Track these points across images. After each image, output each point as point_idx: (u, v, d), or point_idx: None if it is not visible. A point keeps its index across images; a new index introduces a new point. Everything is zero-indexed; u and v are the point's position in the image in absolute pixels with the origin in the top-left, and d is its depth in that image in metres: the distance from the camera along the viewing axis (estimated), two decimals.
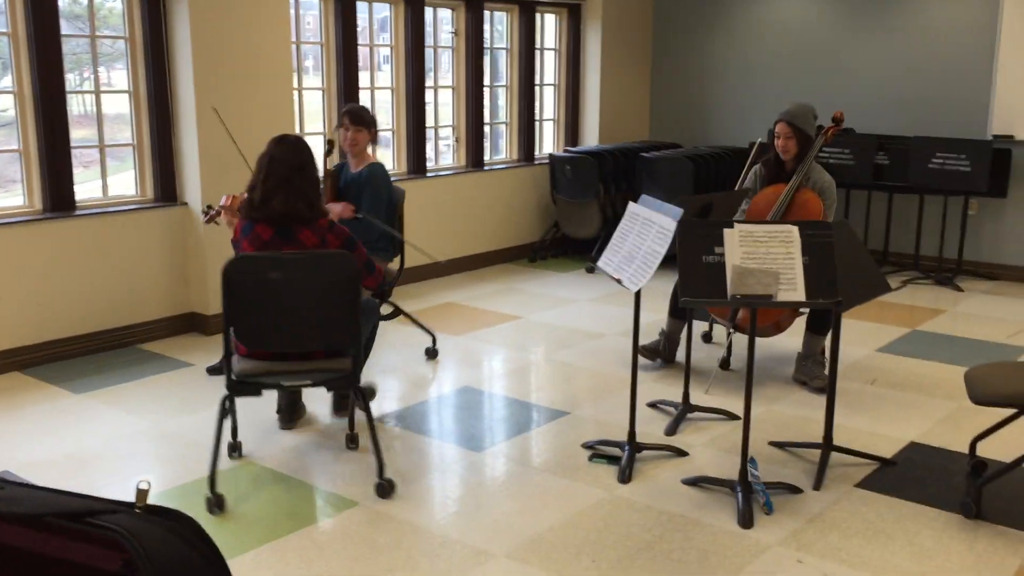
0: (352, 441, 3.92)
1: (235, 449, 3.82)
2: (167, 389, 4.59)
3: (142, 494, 1.22)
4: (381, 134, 6.83)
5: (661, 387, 4.64)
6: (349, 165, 4.82)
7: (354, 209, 4.64)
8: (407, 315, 5.30)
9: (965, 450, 3.78)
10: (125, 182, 5.53)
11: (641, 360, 4.59)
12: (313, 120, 6.40)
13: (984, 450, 3.79)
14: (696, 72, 8.35)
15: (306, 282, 3.35)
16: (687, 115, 8.46)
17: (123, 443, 3.95)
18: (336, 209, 4.55)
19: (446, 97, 7.28)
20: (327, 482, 3.61)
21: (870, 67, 7.42)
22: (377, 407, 4.39)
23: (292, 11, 5.93)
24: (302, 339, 3.44)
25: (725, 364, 4.90)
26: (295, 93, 5.98)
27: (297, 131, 6.13)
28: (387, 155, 6.91)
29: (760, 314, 4.18)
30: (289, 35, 5.71)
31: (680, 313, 4.78)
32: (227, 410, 3.50)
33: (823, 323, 4.57)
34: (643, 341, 4.73)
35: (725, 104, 8.23)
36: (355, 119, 4.70)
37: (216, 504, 3.33)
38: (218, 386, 3.93)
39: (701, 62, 8.30)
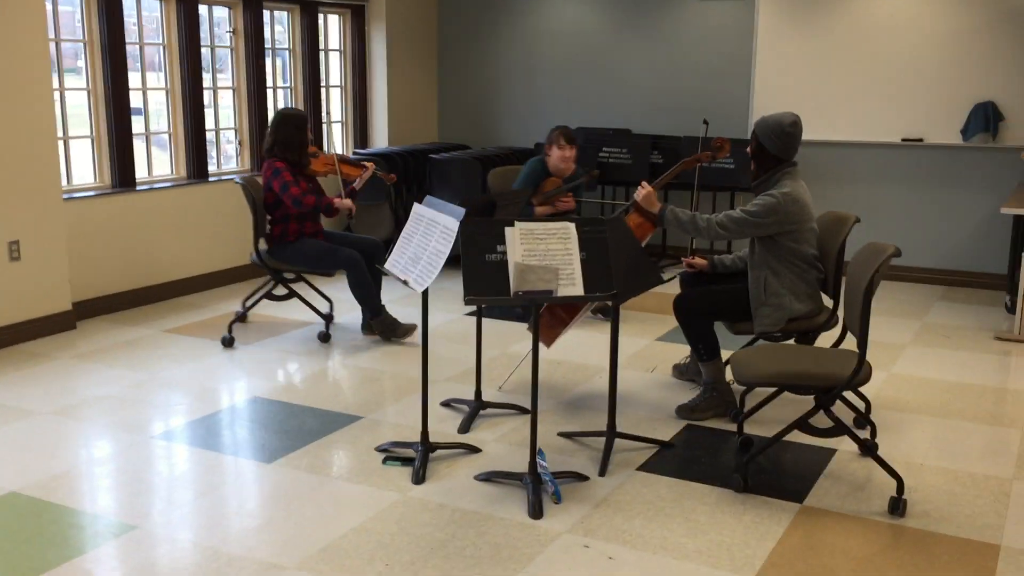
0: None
1: None
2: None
3: None
4: (157, 137, 6.51)
5: (455, 386, 4.68)
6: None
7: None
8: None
9: (735, 429, 4.05)
10: None
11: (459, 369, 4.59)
12: (79, 124, 6.00)
13: (751, 427, 4.09)
14: (481, 74, 8.49)
15: None
16: (474, 117, 8.59)
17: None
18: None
19: (227, 99, 7.02)
20: (103, 506, 3.39)
21: (643, 71, 7.81)
22: (163, 423, 4.18)
23: (49, 5, 5.53)
24: None
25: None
26: (56, 94, 5.59)
27: (60, 134, 5.74)
28: (164, 159, 6.59)
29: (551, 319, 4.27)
30: (45, 31, 5.32)
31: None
32: None
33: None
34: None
35: (510, 106, 8.42)
36: (573, 140, 5.76)
37: None
38: None
39: (486, 64, 8.45)
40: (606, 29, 7.91)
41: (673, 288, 4.57)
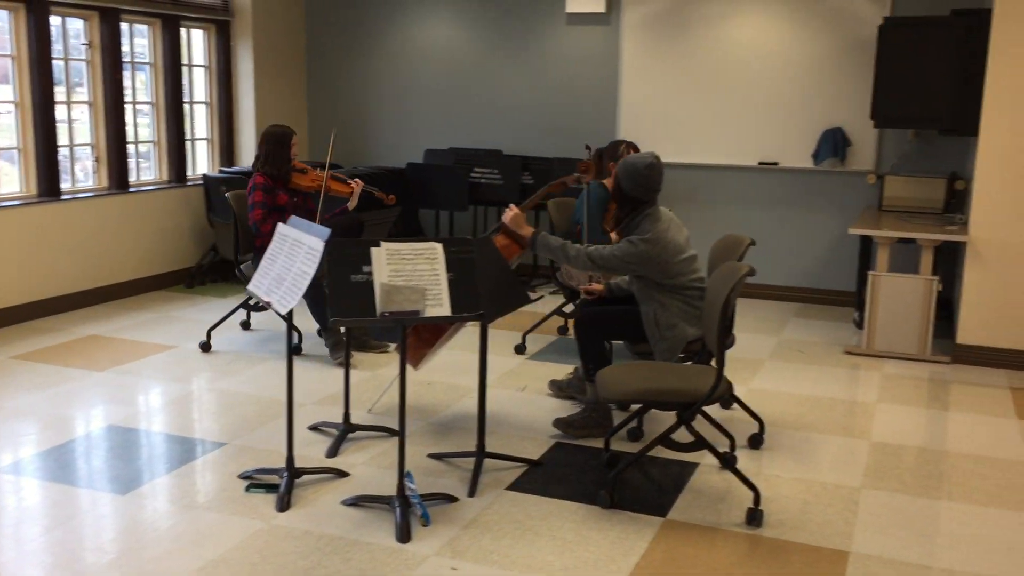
0: None
1: None
2: None
3: None
4: (7, 152, 6.18)
5: (323, 409, 4.60)
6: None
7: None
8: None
9: (602, 445, 4.12)
10: None
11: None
12: None
13: (617, 444, 4.17)
14: (352, 92, 8.42)
15: None
16: (345, 135, 8.50)
17: None
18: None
19: (82, 114, 6.73)
20: None
21: (514, 92, 7.91)
22: (12, 453, 3.94)
23: None
24: None
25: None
26: None
27: None
28: (13, 175, 6.25)
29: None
30: None
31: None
32: None
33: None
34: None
35: (382, 124, 8.38)
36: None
37: None
38: None
39: (356, 83, 8.39)
40: (477, 50, 7.97)
41: (543, 307, 4.65)
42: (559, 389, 4.83)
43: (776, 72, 7.12)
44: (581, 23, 7.62)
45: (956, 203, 6.46)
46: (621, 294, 4.42)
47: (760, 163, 7.26)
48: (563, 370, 5.28)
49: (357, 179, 5.66)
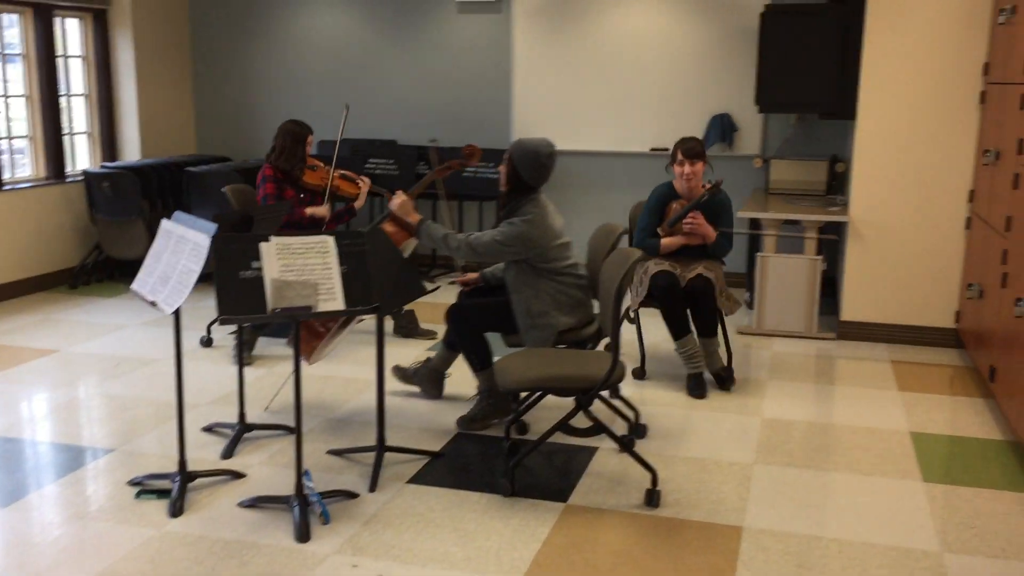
0: None
1: None
2: None
3: None
4: None
5: (218, 410, 4.48)
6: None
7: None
8: None
9: (503, 434, 4.13)
10: None
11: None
12: None
13: (517, 432, 4.19)
14: (240, 83, 8.21)
15: None
16: (235, 127, 8.29)
17: None
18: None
19: None
20: None
21: (407, 82, 7.83)
22: None
23: None
24: None
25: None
26: None
27: None
28: None
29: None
30: None
31: (454, 346, 4.47)
32: None
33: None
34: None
35: (273, 116, 8.18)
36: (693, 154, 4.88)
37: None
38: None
39: (244, 73, 8.18)
40: (368, 39, 7.86)
41: (442, 297, 4.63)
42: (403, 376, 4.73)
43: (665, 60, 7.24)
44: (472, 11, 7.60)
45: (837, 184, 6.70)
46: (496, 283, 4.41)
47: (652, 149, 7.38)
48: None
49: (365, 178, 5.56)
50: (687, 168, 4.85)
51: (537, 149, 4.09)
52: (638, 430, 4.23)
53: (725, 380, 4.85)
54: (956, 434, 4.33)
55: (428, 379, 4.64)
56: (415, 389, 4.73)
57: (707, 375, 4.88)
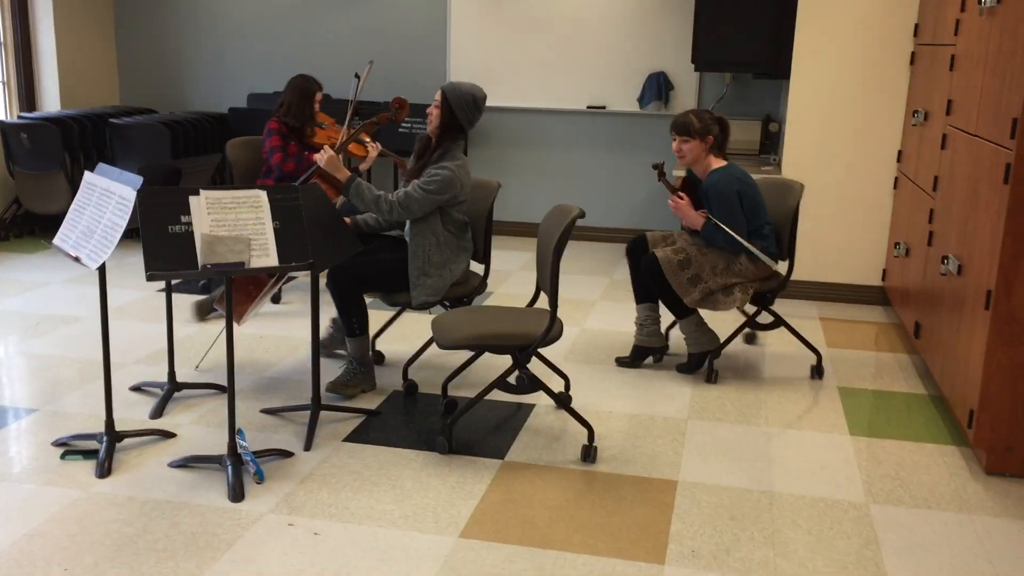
0: None
1: None
2: None
3: None
4: None
5: (147, 368, 4.37)
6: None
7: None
8: None
9: (440, 392, 4.12)
10: None
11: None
12: None
13: (454, 390, 4.17)
14: (165, 33, 7.92)
15: None
16: (160, 78, 8.01)
17: None
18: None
19: None
20: None
21: (339, 35, 7.65)
22: None
23: None
24: None
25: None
26: None
27: None
28: None
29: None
30: None
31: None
32: None
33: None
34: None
35: (200, 67, 7.94)
36: (677, 129, 4.37)
37: None
38: None
39: (169, 22, 7.89)
40: None
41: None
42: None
43: (602, 18, 7.19)
44: None
45: (770, 144, 6.77)
46: (369, 231, 4.29)
47: (588, 107, 7.35)
48: (405, 319, 5.22)
49: (376, 142, 5.21)
50: (674, 144, 4.41)
51: (472, 91, 4.05)
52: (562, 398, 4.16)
53: (643, 358, 4.65)
54: (882, 389, 4.45)
55: (341, 340, 4.55)
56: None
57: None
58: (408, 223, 4.11)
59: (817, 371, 4.59)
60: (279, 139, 5.23)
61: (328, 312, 4.75)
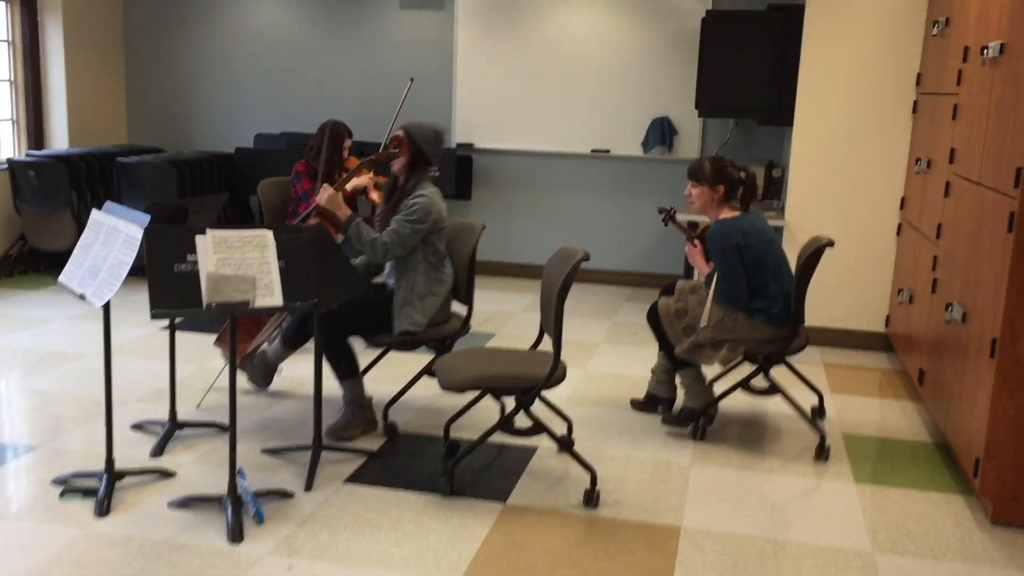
0: None
1: None
2: None
3: None
4: None
5: (148, 407, 4.35)
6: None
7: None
8: None
9: (441, 434, 4.09)
10: None
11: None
12: None
13: (457, 431, 4.15)
14: (175, 73, 8.01)
15: None
16: (168, 118, 8.09)
17: None
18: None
19: None
20: None
21: (347, 77, 7.74)
22: None
23: None
24: None
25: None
26: None
27: None
28: None
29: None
30: None
31: (292, 343, 4.36)
32: None
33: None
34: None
35: (208, 108, 8.02)
36: (690, 173, 4.28)
37: None
38: None
39: (179, 63, 7.99)
40: (309, 31, 7.75)
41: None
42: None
43: (607, 62, 7.27)
44: (415, 7, 7.54)
45: (774, 189, 6.80)
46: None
47: (592, 151, 7.40)
48: (405, 357, 5.21)
49: (380, 175, 5.17)
50: (687, 189, 4.29)
51: (433, 125, 4.14)
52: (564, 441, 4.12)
53: (654, 406, 4.60)
54: (886, 436, 4.42)
55: (259, 370, 4.52)
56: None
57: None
58: (394, 262, 4.13)
59: (819, 412, 4.57)
60: (309, 182, 5.28)
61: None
